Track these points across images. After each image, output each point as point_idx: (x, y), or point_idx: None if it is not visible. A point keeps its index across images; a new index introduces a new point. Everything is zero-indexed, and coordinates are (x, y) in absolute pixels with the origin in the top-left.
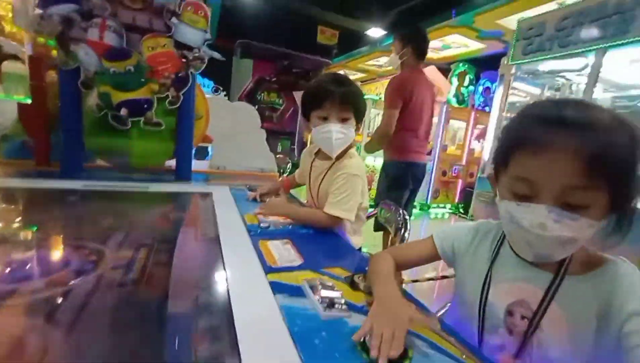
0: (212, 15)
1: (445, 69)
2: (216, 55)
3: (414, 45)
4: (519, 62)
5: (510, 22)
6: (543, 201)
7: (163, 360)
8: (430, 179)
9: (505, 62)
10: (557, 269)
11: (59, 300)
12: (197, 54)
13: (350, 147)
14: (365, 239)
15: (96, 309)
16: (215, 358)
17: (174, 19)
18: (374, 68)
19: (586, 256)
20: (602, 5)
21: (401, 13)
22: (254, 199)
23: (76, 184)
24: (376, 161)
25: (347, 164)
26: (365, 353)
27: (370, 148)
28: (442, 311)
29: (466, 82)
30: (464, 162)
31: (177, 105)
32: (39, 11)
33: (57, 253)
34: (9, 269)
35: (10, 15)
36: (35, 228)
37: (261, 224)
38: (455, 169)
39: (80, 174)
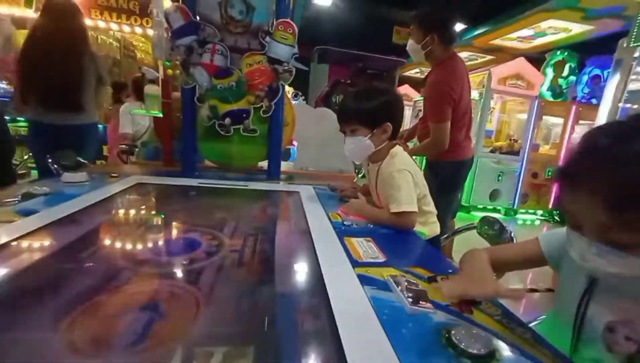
0: None
1: (536, 58)
2: (301, 66)
3: (438, 32)
4: None
5: None
6: (586, 234)
7: (276, 327)
8: (518, 182)
9: (625, 44)
10: None
11: (201, 272)
12: (286, 67)
13: (392, 146)
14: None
15: (226, 281)
16: (317, 332)
17: (267, 38)
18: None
19: None
20: None
21: (488, 1)
22: (341, 199)
23: (193, 182)
24: None
25: (391, 163)
26: (451, 348)
27: (414, 154)
28: (534, 323)
29: (565, 72)
30: (561, 163)
31: (269, 113)
32: (169, 44)
33: (192, 236)
34: (158, 246)
35: (140, 45)
36: (170, 215)
37: (345, 222)
38: (550, 171)
39: (194, 174)
